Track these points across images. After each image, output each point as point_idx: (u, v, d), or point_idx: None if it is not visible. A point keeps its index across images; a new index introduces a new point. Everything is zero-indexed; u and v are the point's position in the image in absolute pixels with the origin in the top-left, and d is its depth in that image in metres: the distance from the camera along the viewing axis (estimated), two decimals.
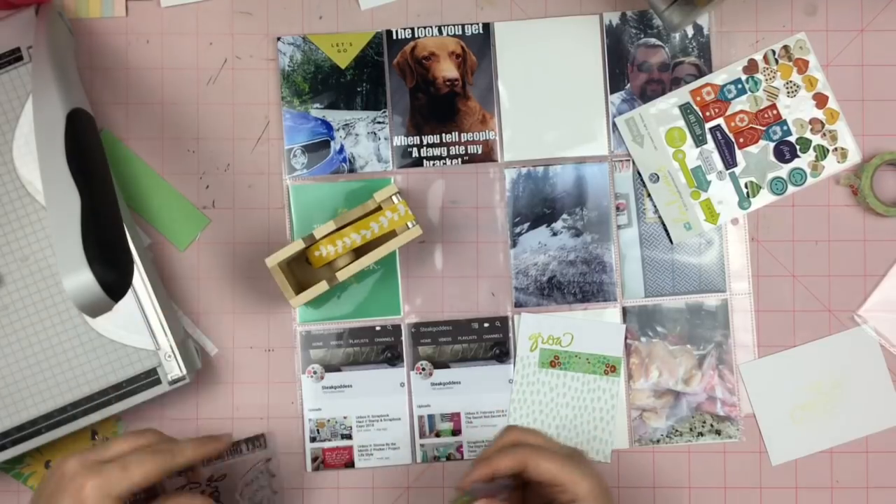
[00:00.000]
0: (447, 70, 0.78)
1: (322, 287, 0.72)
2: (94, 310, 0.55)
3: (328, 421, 0.77)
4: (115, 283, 0.55)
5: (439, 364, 0.77)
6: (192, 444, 0.65)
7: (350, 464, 0.77)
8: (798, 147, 0.78)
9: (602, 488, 0.63)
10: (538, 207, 0.78)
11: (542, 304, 0.78)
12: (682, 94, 0.78)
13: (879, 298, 0.77)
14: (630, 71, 0.78)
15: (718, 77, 0.78)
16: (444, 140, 0.78)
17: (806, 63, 0.78)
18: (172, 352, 0.72)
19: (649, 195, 0.78)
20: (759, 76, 0.78)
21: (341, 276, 0.72)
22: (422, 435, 0.77)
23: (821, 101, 0.78)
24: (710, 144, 0.78)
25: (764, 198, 0.78)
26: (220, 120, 0.78)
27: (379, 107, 0.78)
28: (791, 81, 0.78)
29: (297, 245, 0.72)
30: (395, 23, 0.78)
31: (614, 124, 0.78)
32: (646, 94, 0.78)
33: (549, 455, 0.63)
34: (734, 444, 0.77)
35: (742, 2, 0.78)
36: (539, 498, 0.65)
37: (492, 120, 0.78)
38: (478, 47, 0.78)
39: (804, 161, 0.78)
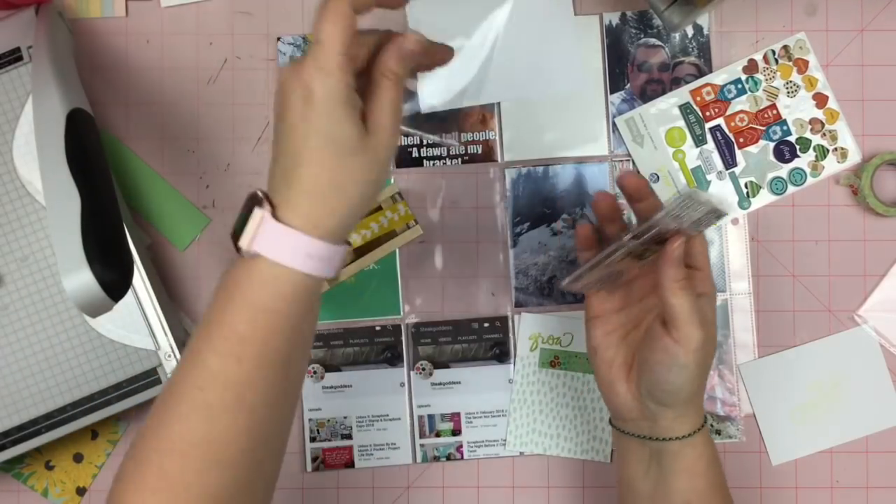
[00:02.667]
0: None
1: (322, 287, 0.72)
2: (94, 310, 0.55)
3: (328, 421, 0.77)
4: (115, 283, 0.55)
5: (439, 364, 0.77)
6: None
7: (350, 464, 0.77)
8: (798, 147, 0.78)
9: (708, 350, 0.59)
10: (538, 207, 0.78)
11: (542, 304, 0.78)
12: (682, 94, 0.78)
13: (879, 298, 0.77)
14: (630, 71, 0.78)
15: (718, 77, 0.78)
16: (444, 140, 0.78)
17: (806, 63, 0.78)
18: (172, 352, 0.72)
19: None
20: (758, 76, 0.78)
21: (341, 276, 0.72)
22: (422, 435, 0.77)
23: (821, 101, 0.78)
24: (710, 144, 0.78)
25: (764, 198, 0.78)
26: (220, 120, 0.78)
27: None
28: (791, 81, 0.78)
29: None
30: (394, 23, 0.78)
31: (614, 124, 0.78)
32: (646, 94, 0.78)
33: (685, 296, 0.58)
34: (734, 444, 0.77)
35: (742, 2, 0.78)
36: (640, 301, 0.63)
37: (492, 120, 0.78)
38: None
39: (804, 161, 0.78)
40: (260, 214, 0.52)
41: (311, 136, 0.51)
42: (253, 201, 0.53)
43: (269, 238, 0.52)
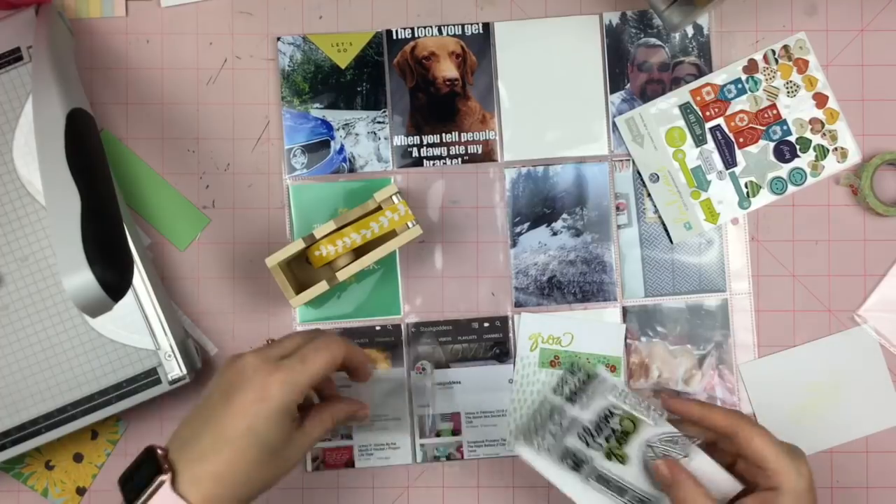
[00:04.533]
0: (447, 70, 0.78)
1: (322, 287, 0.72)
2: (94, 310, 0.55)
3: None
4: (115, 283, 0.55)
5: (439, 364, 0.77)
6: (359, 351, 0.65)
7: (350, 463, 0.77)
8: (798, 147, 0.78)
9: (809, 491, 0.60)
10: (538, 207, 0.78)
11: (542, 304, 0.78)
12: (682, 94, 0.78)
13: (879, 298, 0.77)
14: (630, 71, 0.78)
15: (718, 77, 0.78)
16: (444, 140, 0.78)
17: (806, 63, 0.78)
18: (172, 352, 0.72)
19: (649, 195, 0.78)
20: (759, 76, 0.78)
21: (341, 276, 0.72)
22: (422, 435, 0.77)
23: (821, 101, 0.78)
24: (710, 144, 0.78)
25: (764, 198, 0.78)
26: (220, 120, 0.78)
27: (379, 107, 0.78)
28: (791, 81, 0.78)
29: (297, 245, 0.72)
30: (395, 23, 0.78)
31: (614, 124, 0.78)
32: (646, 94, 0.78)
33: (767, 435, 0.62)
34: None
35: (742, 2, 0.78)
36: (733, 465, 0.64)
37: (492, 120, 0.78)
38: (478, 47, 0.78)
39: (804, 161, 0.78)
40: (159, 481, 0.55)
41: (247, 430, 0.57)
42: (152, 460, 0.57)
43: None
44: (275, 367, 0.58)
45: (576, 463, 0.65)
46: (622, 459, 0.64)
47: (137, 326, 0.72)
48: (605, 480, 0.64)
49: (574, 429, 0.65)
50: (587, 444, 0.65)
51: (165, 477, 0.55)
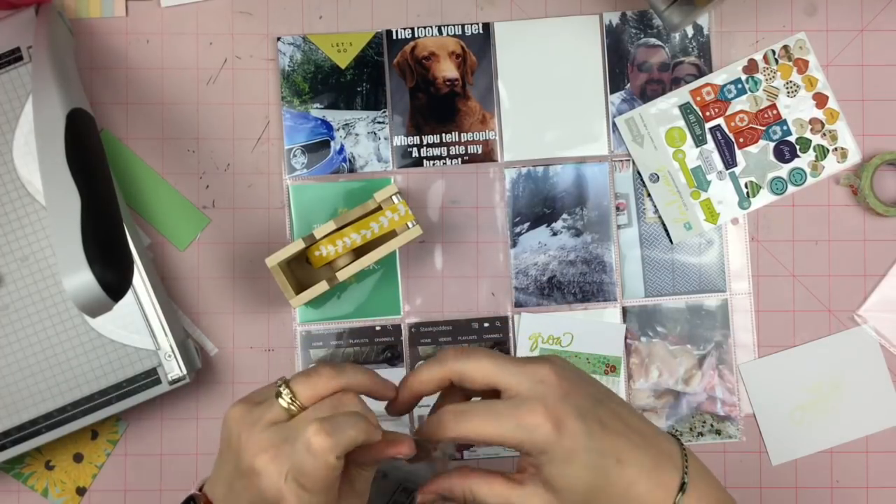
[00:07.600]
0: (447, 70, 0.78)
1: (322, 287, 0.72)
2: (94, 310, 0.55)
3: None
4: (115, 283, 0.55)
5: None
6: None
7: None
8: (798, 147, 0.78)
9: (561, 397, 0.51)
10: (538, 207, 0.78)
11: (542, 304, 0.78)
12: (682, 94, 0.78)
13: (879, 298, 0.77)
14: (630, 71, 0.78)
15: (718, 77, 0.78)
16: (444, 140, 0.78)
17: (806, 63, 0.78)
18: (172, 352, 0.72)
19: (649, 195, 0.78)
20: (759, 76, 0.78)
21: (341, 276, 0.72)
22: None
23: (821, 101, 0.78)
24: (710, 144, 0.78)
25: (764, 198, 0.78)
26: (220, 120, 0.78)
27: (379, 107, 0.78)
28: (791, 81, 0.78)
29: (297, 245, 0.72)
30: (395, 23, 0.78)
31: (614, 124, 0.78)
32: (646, 94, 0.78)
33: (481, 354, 0.53)
34: (734, 444, 0.77)
35: (742, 2, 0.78)
36: None
37: (492, 120, 0.78)
38: (478, 47, 0.78)
39: (804, 161, 0.78)
40: None
41: None
42: None
43: None
44: (275, 455, 0.51)
45: None
46: None
47: (137, 326, 0.72)
48: None
49: None
50: None
51: None
